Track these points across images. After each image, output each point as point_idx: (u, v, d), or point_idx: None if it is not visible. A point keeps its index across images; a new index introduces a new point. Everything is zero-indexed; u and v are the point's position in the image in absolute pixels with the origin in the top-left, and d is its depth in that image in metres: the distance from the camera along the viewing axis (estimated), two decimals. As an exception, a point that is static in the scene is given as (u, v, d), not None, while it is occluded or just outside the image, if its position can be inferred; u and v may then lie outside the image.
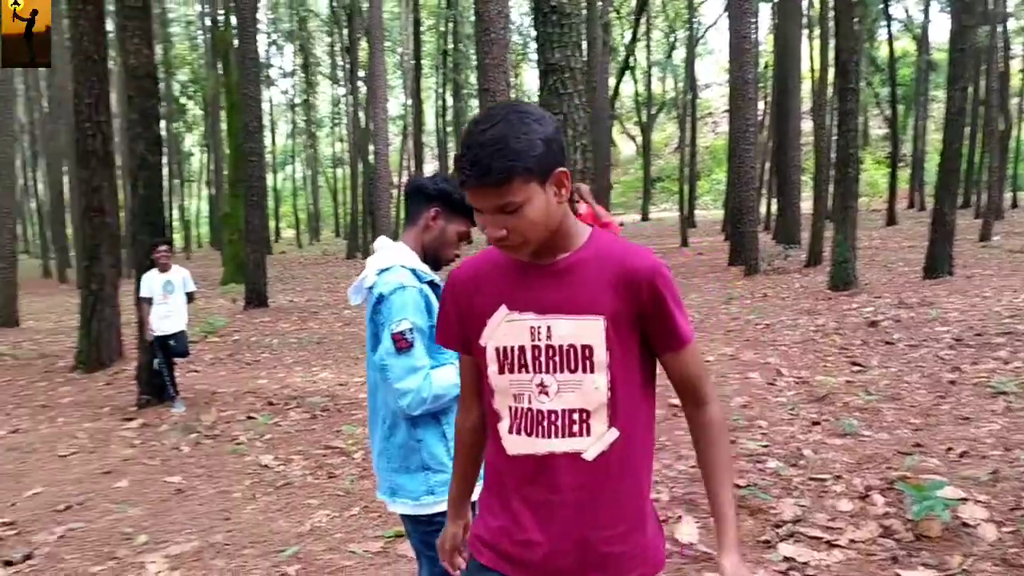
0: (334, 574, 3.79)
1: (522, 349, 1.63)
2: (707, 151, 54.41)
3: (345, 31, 35.46)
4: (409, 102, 39.00)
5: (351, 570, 3.82)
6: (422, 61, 37.77)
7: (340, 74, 45.65)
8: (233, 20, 21.02)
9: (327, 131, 55.99)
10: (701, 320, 11.36)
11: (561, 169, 1.55)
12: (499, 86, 10.36)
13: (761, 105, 33.55)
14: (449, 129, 41.03)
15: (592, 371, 1.58)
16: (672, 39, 45.43)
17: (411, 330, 2.20)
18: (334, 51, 46.93)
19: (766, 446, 5.28)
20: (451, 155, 41.42)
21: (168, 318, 7.89)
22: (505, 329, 1.65)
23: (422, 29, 37.82)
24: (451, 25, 36.76)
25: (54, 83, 29.28)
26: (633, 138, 53.16)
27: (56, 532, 4.45)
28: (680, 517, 4.18)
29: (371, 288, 2.29)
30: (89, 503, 4.99)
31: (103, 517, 4.70)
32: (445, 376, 2.24)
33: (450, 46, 37.93)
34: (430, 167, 55.74)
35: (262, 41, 50.11)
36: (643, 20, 36.09)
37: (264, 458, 5.86)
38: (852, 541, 3.85)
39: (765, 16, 36.76)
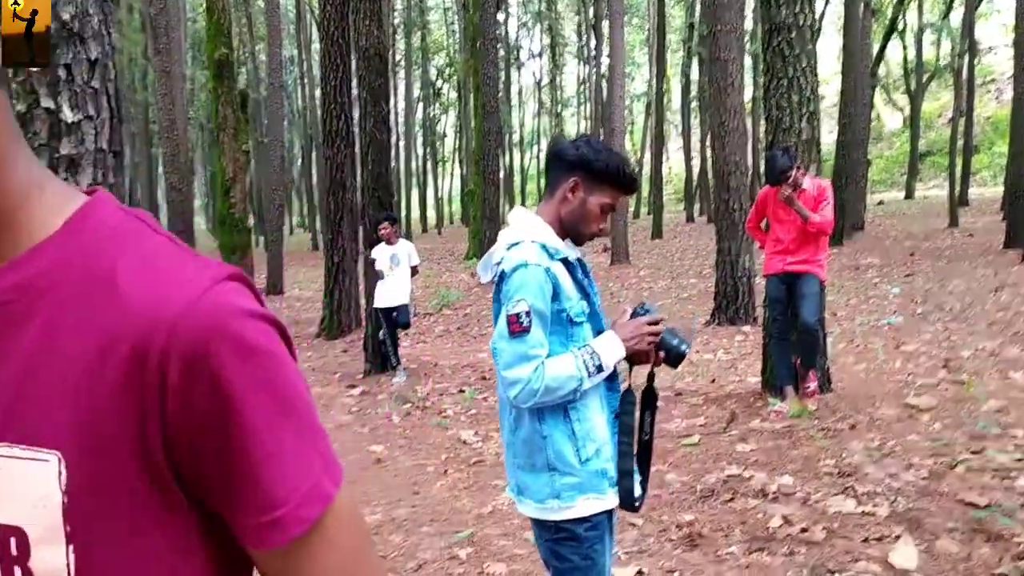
0: (504, 562, 3.66)
1: None
2: (988, 122, 48.78)
3: (591, 9, 35.46)
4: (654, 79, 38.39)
5: (522, 559, 3.68)
6: (668, 36, 36.95)
7: (586, 52, 45.77)
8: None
9: (572, 111, 56.55)
10: (962, 309, 10.11)
11: None
12: (731, 54, 9.74)
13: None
14: (694, 105, 39.83)
15: None
16: (948, -2, 41.09)
17: (528, 313, 1.96)
18: (581, 30, 47.21)
19: (1020, 460, 4.49)
20: (695, 134, 40.32)
21: (393, 291, 8.19)
22: None
23: (669, 2, 36.97)
24: (698, -4, 35.56)
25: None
26: (900, 109, 48.87)
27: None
28: (898, 537, 3.63)
29: (499, 264, 2.08)
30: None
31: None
32: (562, 367, 1.98)
33: (696, 18, 36.73)
34: (674, 146, 54.70)
35: (512, 23, 51.61)
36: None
37: (464, 433, 5.89)
38: (1117, 587, 3.14)
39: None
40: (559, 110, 54.52)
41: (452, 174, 54.91)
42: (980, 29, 38.82)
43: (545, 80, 52.97)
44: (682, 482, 4.49)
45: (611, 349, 2.05)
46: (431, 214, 53.55)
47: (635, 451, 2.16)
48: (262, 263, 21.72)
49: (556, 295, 2.01)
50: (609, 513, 2.11)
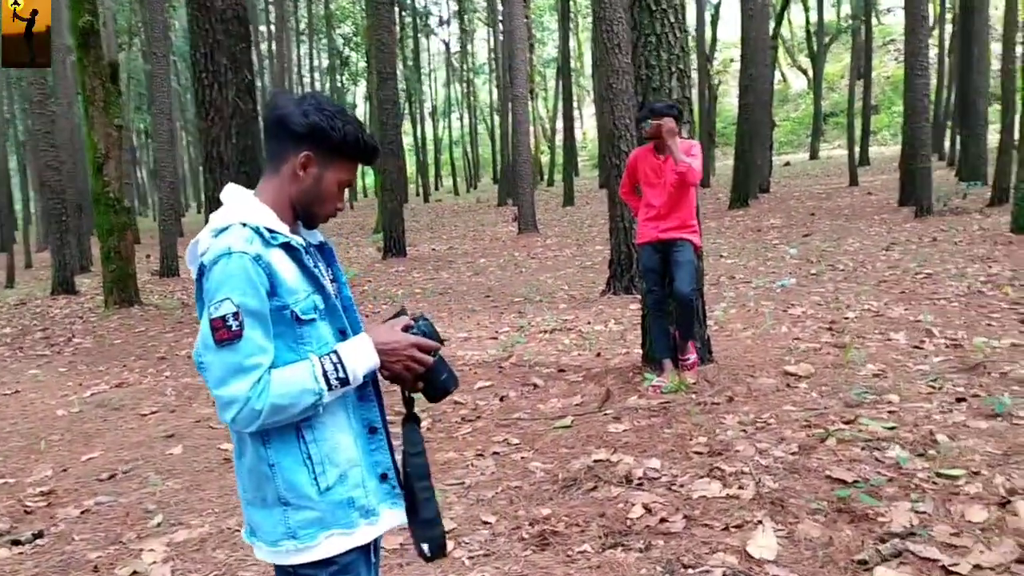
0: None
1: None
2: (887, 82, 49.99)
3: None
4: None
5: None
6: (575, -1, 36.49)
7: (495, 17, 45.09)
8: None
9: (485, 78, 55.87)
10: (854, 269, 10.12)
11: None
12: (615, 13, 9.43)
13: (950, 28, 30.16)
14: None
15: None
16: (848, -41, 41.67)
17: (236, 314, 1.58)
18: (490, -5, 46.42)
19: (892, 428, 4.33)
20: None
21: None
22: None
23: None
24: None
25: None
26: (804, 71, 49.66)
27: (84, 505, 4.24)
28: (759, 523, 3.40)
29: (203, 255, 1.68)
30: (133, 472, 4.78)
31: (136, 490, 4.46)
32: (293, 378, 1.61)
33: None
34: (588, 112, 54.52)
35: (419, -12, 50.46)
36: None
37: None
38: (977, 568, 2.96)
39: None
40: (470, 77, 53.80)
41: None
42: (878, -11, 39.57)
43: (456, 47, 52.13)
44: (545, 471, 4.20)
45: (362, 356, 1.69)
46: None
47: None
48: (155, 245, 20.77)
49: (274, 288, 1.64)
50: (365, 549, 1.76)
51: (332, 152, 1.72)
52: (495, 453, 4.54)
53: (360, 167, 1.90)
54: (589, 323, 8.28)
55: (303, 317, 1.67)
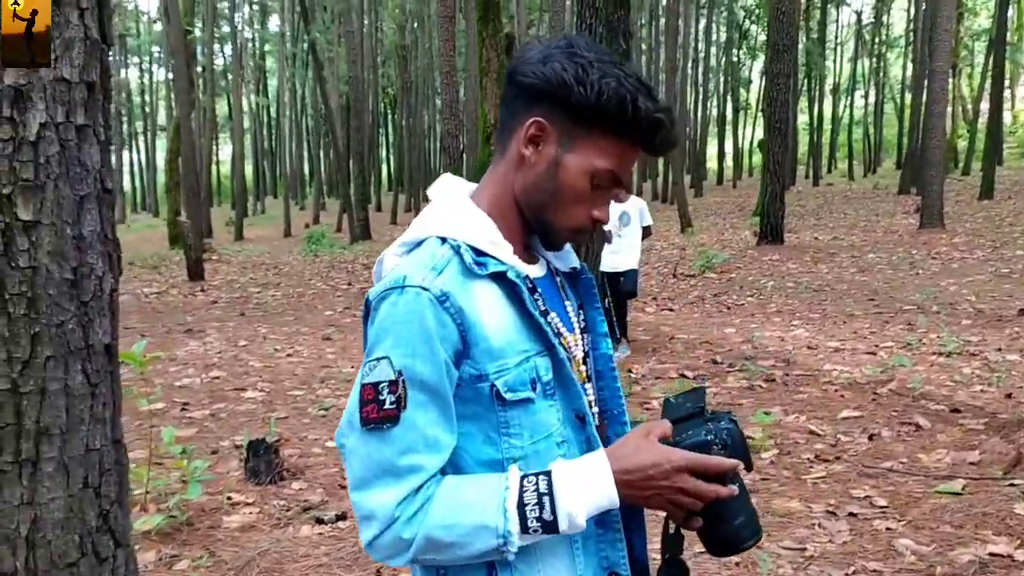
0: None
1: None
2: None
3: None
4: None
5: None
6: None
7: (918, -15, 40.48)
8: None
9: (899, 51, 50.71)
10: None
11: None
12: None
13: None
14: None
15: None
16: None
17: (396, 383, 1.01)
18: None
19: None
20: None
21: (619, 253, 7.25)
22: None
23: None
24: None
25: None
26: None
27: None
28: None
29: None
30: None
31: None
32: (469, 502, 1.02)
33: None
34: (1022, 93, 47.06)
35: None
36: None
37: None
38: None
39: None
40: (882, 51, 49.14)
41: (754, 123, 51.58)
42: None
43: (868, 18, 47.82)
44: (917, 555, 3.20)
45: (588, 488, 1.03)
46: (730, 165, 50.99)
47: None
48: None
49: (467, 347, 1.04)
50: None
51: (579, 120, 1.07)
52: (852, 514, 3.60)
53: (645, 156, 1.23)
54: (999, 350, 6.70)
55: (509, 397, 1.06)
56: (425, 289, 1.01)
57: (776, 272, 12.74)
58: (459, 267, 1.05)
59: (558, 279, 1.20)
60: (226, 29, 45.41)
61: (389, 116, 56.71)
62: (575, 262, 1.23)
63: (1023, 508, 3.51)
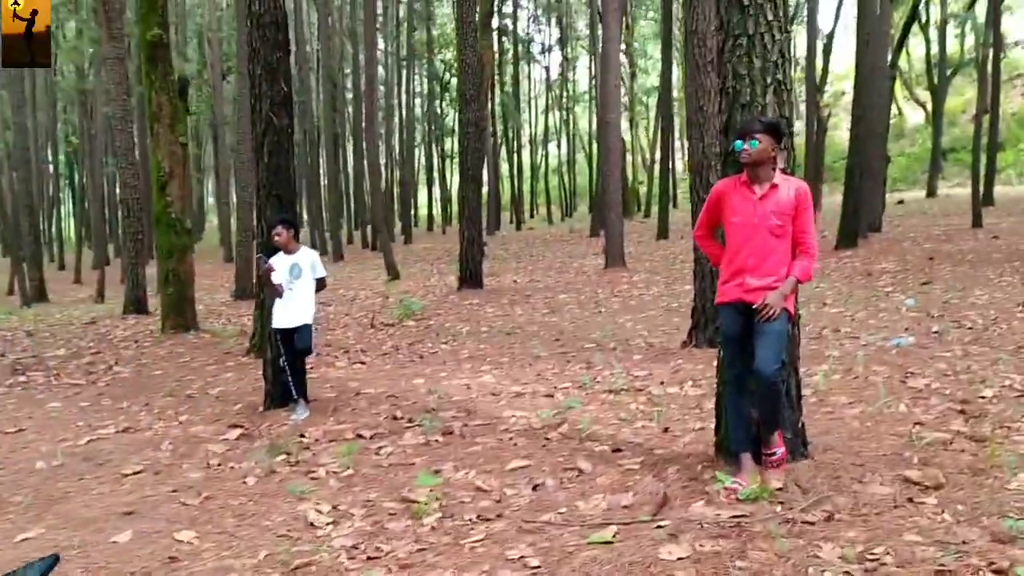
0: None
1: None
2: (1013, 118, 46.67)
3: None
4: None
5: None
6: (677, 22, 35.19)
7: (596, 45, 44.25)
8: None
9: (584, 106, 54.97)
10: (985, 328, 8.58)
11: None
12: (708, 26, 8.27)
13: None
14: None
15: None
16: (975, -14, 38.96)
17: None
18: (593, 23, 45.62)
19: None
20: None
21: (291, 310, 6.80)
22: None
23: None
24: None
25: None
26: (922, 104, 46.79)
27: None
28: None
29: None
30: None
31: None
32: None
33: None
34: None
35: (523, 16, 50.17)
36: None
37: (318, 509, 4.46)
38: None
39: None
40: (571, 104, 53.01)
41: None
42: (1006, 22, 36.90)
43: (556, 75, 51.46)
44: (563, 618, 3.05)
45: None
46: (438, 213, 52.19)
47: None
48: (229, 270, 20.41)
49: None
50: None
51: None
52: (503, 581, 3.41)
53: None
54: (663, 383, 7.06)
55: None
56: None
57: (473, 317, 12.87)
58: None
59: None
60: None
61: (75, 166, 51.91)
62: None
63: (667, 552, 3.51)
